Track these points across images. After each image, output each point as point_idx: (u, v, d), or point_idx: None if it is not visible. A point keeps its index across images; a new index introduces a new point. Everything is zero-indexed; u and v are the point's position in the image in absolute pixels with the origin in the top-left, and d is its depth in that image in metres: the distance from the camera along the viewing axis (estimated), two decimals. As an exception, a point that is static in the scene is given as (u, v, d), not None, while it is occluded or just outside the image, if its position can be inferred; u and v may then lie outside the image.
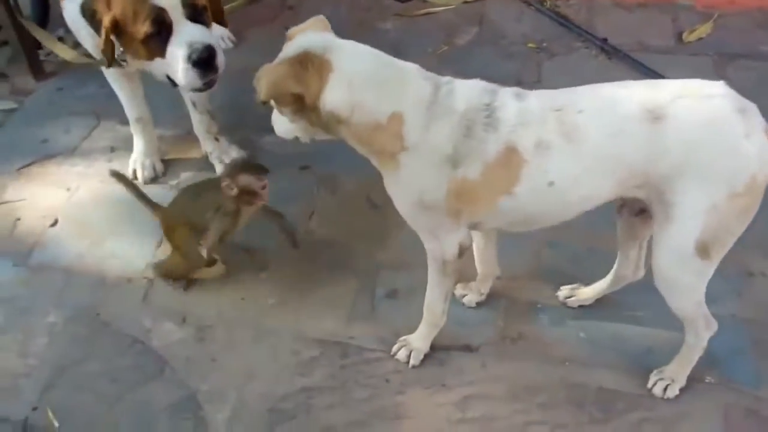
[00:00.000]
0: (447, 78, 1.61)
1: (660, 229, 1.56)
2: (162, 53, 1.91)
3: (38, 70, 2.98)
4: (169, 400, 1.86)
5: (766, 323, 1.94)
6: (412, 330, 1.95)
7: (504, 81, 2.77)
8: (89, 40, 2.11)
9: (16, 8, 2.67)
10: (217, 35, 2.43)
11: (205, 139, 2.53)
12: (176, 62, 1.90)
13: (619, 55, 2.93)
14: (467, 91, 1.56)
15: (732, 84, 1.54)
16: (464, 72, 2.85)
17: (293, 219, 2.33)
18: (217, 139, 2.52)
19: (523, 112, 1.52)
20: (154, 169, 2.51)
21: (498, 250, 1.97)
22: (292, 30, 1.61)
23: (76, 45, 2.40)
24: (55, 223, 2.37)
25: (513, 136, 1.51)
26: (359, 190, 2.42)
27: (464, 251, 1.71)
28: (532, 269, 2.12)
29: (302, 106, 1.53)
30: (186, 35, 1.88)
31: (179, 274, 2.13)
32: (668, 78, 2.65)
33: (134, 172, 2.50)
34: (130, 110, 2.44)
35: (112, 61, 1.99)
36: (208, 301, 2.10)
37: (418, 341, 1.91)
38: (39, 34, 2.49)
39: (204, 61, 1.89)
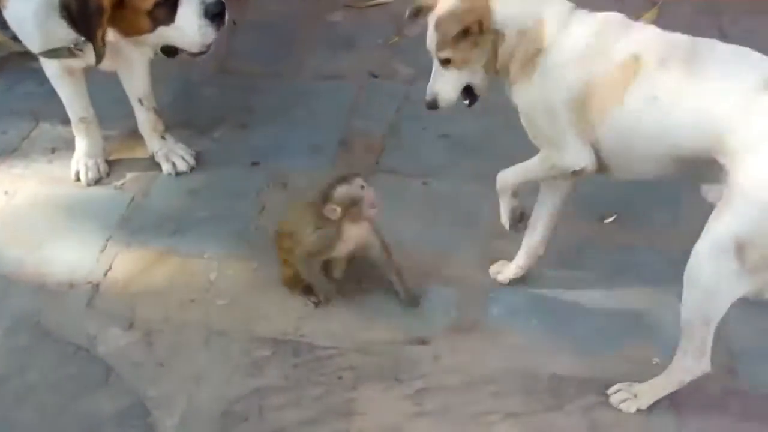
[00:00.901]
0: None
1: (717, 210, 1.49)
2: (170, 20, 1.91)
3: (-29, 69, 2.87)
4: (116, 408, 1.80)
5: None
6: (363, 326, 1.93)
7: (455, 70, 2.82)
8: (36, 37, 2.04)
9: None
10: None
11: (151, 138, 2.46)
12: (190, 21, 1.92)
13: (568, 42, 2.94)
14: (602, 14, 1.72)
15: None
16: (416, 63, 2.89)
17: (244, 216, 2.29)
18: (163, 138, 2.46)
19: (662, 34, 1.66)
20: (99, 169, 2.43)
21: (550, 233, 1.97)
22: (420, 2, 1.80)
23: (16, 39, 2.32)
24: (-8, 228, 2.29)
25: (642, 46, 1.61)
26: (310, 185, 2.38)
27: (582, 173, 1.73)
28: (483, 258, 2.12)
29: (474, 37, 1.71)
30: None
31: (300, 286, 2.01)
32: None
33: (77, 173, 2.42)
34: (73, 109, 2.36)
35: (103, 51, 1.93)
36: (156, 305, 2.04)
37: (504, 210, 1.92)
38: None
39: (220, 14, 1.95)
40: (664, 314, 1.93)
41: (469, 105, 1.87)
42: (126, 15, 1.90)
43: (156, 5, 1.89)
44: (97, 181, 2.42)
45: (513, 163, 1.87)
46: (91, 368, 1.88)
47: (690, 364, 1.64)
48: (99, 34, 1.88)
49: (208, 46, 2.02)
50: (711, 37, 3.21)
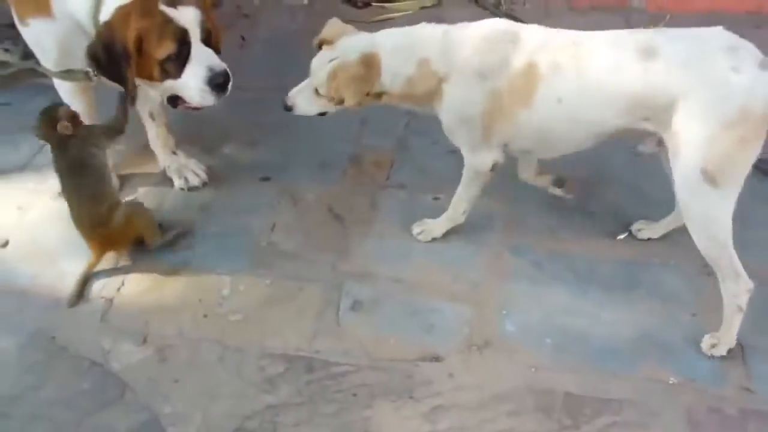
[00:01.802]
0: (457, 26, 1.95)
1: (672, 159, 1.74)
2: (177, 74, 1.97)
3: (-16, 85, 2.89)
4: (131, 425, 1.80)
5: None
6: (377, 342, 1.95)
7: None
8: (55, 57, 2.10)
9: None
10: None
11: (162, 153, 2.48)
12: (194, 83, 1.98)
13: (576, 58, 2.96)
14: (482, 23, 1.92)
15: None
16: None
17: (255, 231, 2.30)
18: (174, 153, 2.48)
19: (548, 38, 1.84)
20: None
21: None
22: (323, 36, 2.01)
23: (24, 59, 2.34)
24: (6, 244, 2.29)
25: (535, 55, 1.81)
26: (321, 200, 2.40)
27: (496, 167, 2.03)
28: (496, 275, 2.12)
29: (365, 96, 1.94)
30: (205, 58, 1.98)
31: None
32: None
33: None
34: None
35: (136, 92, 2.01)
36: (169, 320, 2.04)
37: (435, 226, 2.22)
38: None
39: (223, 85, 2.00)
40: (679, 332, 1.94)
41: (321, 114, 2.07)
42: (141, 61, 1.94)
43: (168, 58, 1.94)
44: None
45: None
46: (105, 384, 1.89)
47: (733, 288, 1.80)
48: (129, 76, 1.94)
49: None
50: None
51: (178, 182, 2.45)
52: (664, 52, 1.69)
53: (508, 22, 1.93)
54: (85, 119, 2.35)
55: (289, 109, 2.04)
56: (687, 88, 1.66)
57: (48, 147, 2.44)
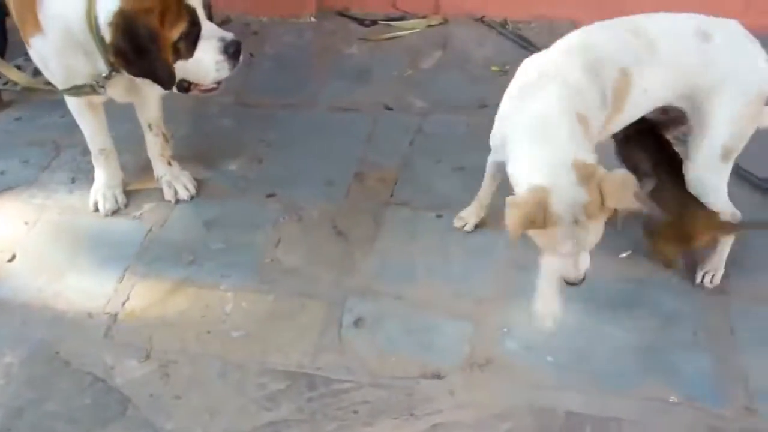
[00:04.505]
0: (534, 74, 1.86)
1: (696, 137, 1.90)
2: (190, 53, 1.98)
3: (-5, 99, 2.93)
4: (132, 440, 1.81)
5: (728, 342, 1.96)
6: (379, 359, 1.95)
7: (469, 104, 2.87)
8: (60, 74, 2.09)
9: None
10: None
11: (157, 163, 2.50)
12: (209, 56, 1.99)
13: (580, 76, 2.98)
14: (555, 58, 1.87)
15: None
16: (429, 95, 2.94)
17: (259, 248, 2.31)
18: (169, 164, 2.50)
19: (612, 40, 1.85)
20: (116, 200, 2.46)
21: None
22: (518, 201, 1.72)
23: (36, 74, 2.37)
24: (13, 258, 2.31)
25: (620, 55, 1.82)
26: (324, 217, 2.41)
27: None
28: (499, 293, 2.12)
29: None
30: (215, 32, 2.01)
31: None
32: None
33: (95, 203, 2.45)
34: (94, 141, 2.41)
35: (173, 73, 1.99)
36: (173, 336, 2.06)
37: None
38: None
39: (236, 53, 2.03)
40: (680, 351, 1.93)
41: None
42: (162, 35, 1.92)
43: (180, 38, 1.94)
44: (115, 212, 2.45)
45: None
46: (108, 399, 1.90)
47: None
48: (163, 58, 1.92)
49: (220, 83, 2.08)
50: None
51: (167, 193, 2.47)
52: (716, 36, 1.84)
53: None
54: (95, 137, 2.40)
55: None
56: (732, 70, 1.83)
57: (56, 162, 2.48)
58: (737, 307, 2.04)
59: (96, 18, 1.89)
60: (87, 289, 2.18)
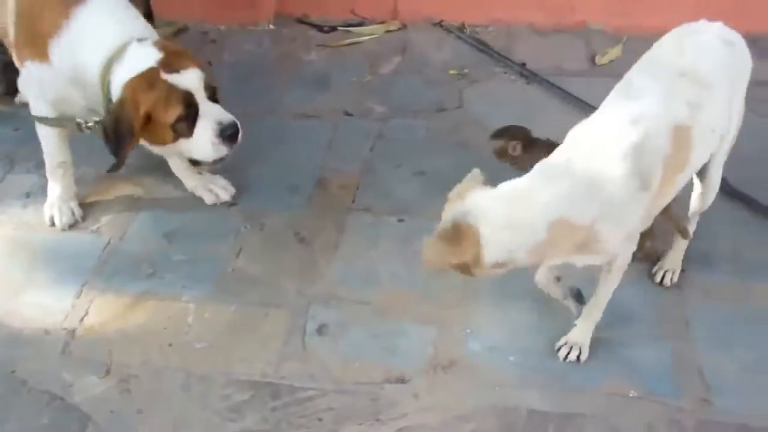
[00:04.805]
0: (564, 157, 1.68)
1: (721, 146, 1.89)
2: (189, 133, 2.07)
3: (-55, 115, 2.87)
4: (93, 458, 1.78)
5: (685, 336, 2.01)
6: (343, 365, 1.94)
7: (428, 108, 2.89)
8: (47, 102, 2.20)
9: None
10: None
11: (185, 176, 2.50)
12: (205, 137, 2.08)
13: (537, 79, 3.02)
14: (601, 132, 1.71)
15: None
16: (389, 100, 2.95)
17: (221, 258, 2.29)
18: (200, 173, 2.50)
19: (661, 92, 1.71)
20: (73, 214, 2.42)
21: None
22: (453, 192, 1.71)
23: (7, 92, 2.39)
24: (-33, 276, 2.26)
25: (671, 115, 1.69)
26: (287, 225, 2.40)
27: None
28: (462, 295, 2.14)
29: (469, 268, 1.63)
30: (213, 114, 2.09)
31: None
32: (583, 100, 2.79)
33: (51, 218, 2.41)
34: (54, 156, 2.37)
35: (123, 163, 2.13)
36: (134, 350, 2.03)
37: (583, 338, 1.93)
38: None
39: (233, 135, 2.10)
40: (639, 347, 1.97)
41: None
42: (152, 128, 2.05)
43: (178, 120, 2.04)
44: (72, 226, 2.41)
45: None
46: (67, 418, 1.86)
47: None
48: (125, 152, 2.08)
49: (222, 159, 2.15)
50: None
51: (209, 198, 2.49)
52: (731, 38, 1.87)
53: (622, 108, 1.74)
54: (56, 153, 2.36)
55: None
56: (746, 65, 1.90)
57: (10, 176, 2.43)
58: (693, 302, 2.09)
59: (109, 75, 2.02)
60: (43, 306, 2.14)
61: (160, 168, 2.60)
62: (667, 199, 1.84)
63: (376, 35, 3.39)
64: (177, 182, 2.57)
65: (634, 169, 1.63)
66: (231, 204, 2.50)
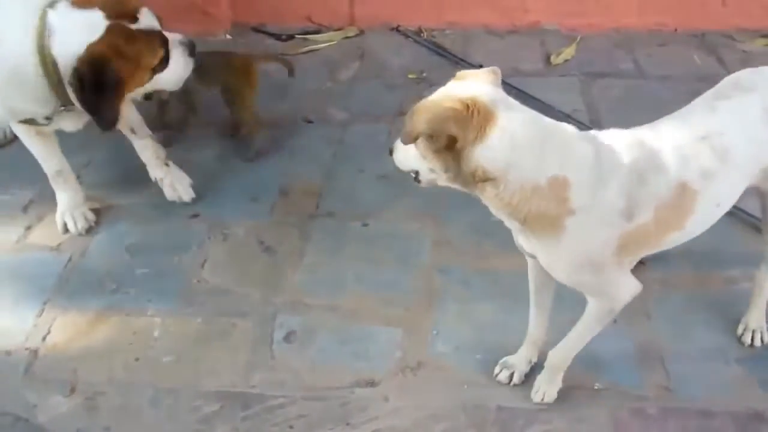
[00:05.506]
0: (592, 133, 1.59)
1: None
2: (165, 65, 2.11)
3: None
4: (60, 479, 1.75)
5: (645, 327, 2.06)
6: (312, 372, 1.95)
7: (388, 112, 2.91)
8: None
9: None
10: None
11: (152, 165, 2.47)
12: (180, 63, 2.15)
13: (494, 80, 3.07)
14: (624, 141, 1.57)
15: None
16: (349, 106, 2.96)
17: (186, 270, 2.28)
18: (167, 164, 2.47)
19: (679, 148, 1.57)
20: (86, 218, 2.40)
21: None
22: (464, 72, 1.56)
23: None
24: (-75, 299, 2.20)
25: (682, 172, 1.56)
26: (251, 234, 2.40)
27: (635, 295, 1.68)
28: (425, 296, 2.16)
29: (450, 149, 1.43)
30: (174, 38, 2.14)
31: None
32: (540, 99, 2.84)
33: (65, 226, 2.39)
34: (48, 164, 2.35)
35: (115, 123, 2.04)
36: (99, 367, 2.00)
37: (552, 387, 1.86)
38: None
39: (193, 44, 2.20)
40: (602, 340, 2.00)
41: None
42: (137, 74, 2.03)
43: (161, 60, 2.07)
44: (89, 231, 2.40)
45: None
46: (32, 439, 1.83)
47: None
48: (114, 107, 1.98)
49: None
50: (627, 68, 3.42)
51: (170, 195, 2.46)
52: None
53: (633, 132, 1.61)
54: (48, 160, 2.32)
55: (390, 153, 1.63)
56: None
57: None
58: (653, 293, 2.14)
59: (50, 54, 1.90)
60: (4, 327, 2.09)
61: (119, 182, 2.58)
62: (637, 257, 1.73)
63: (334, 42, 3.41)
64: (137, 194, 2.55)
65: (629, 184, 1.53)
66: (193, 215, 2.48)
